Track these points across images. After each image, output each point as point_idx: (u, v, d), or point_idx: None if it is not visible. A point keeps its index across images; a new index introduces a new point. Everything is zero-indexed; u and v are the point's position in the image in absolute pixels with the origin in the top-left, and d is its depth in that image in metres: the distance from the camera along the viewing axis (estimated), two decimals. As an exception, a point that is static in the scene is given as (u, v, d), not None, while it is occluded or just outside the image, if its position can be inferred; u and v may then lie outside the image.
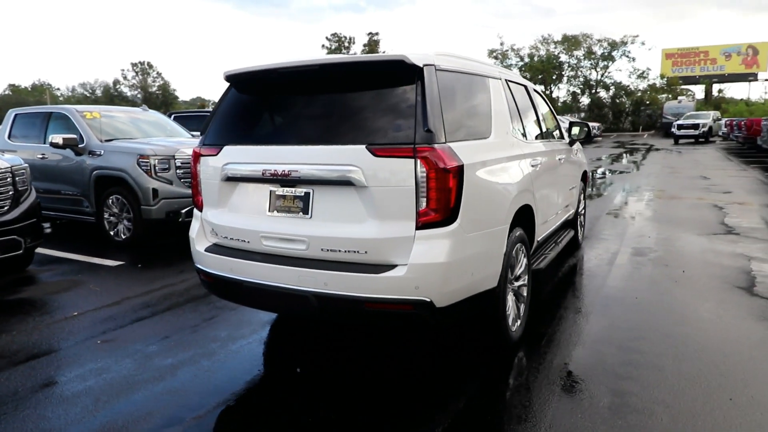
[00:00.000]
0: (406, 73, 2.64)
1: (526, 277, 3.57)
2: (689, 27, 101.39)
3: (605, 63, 47.77)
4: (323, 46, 65.74)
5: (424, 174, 2.49)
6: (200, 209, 3.26)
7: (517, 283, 3.42)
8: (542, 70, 51.93)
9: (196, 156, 3.21)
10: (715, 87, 48.47)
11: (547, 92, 55.64)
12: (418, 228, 2.54)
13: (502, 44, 56.36)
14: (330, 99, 2.86)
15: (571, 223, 5.43)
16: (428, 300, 2.53)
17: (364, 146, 2.58)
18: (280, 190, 2.85)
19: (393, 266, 2.58)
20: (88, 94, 75.24)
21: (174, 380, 3.10)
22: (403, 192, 2.53)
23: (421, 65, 2.64)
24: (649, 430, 2.45)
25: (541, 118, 4.49)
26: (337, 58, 2.77)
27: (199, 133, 9.11)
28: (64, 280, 5.19)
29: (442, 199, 2.51)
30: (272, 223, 2.87)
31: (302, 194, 2.78)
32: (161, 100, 70.24)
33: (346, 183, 2.63)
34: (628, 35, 47.58)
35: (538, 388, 2.88)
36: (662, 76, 46.74)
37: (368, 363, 3.28)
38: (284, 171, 2.74)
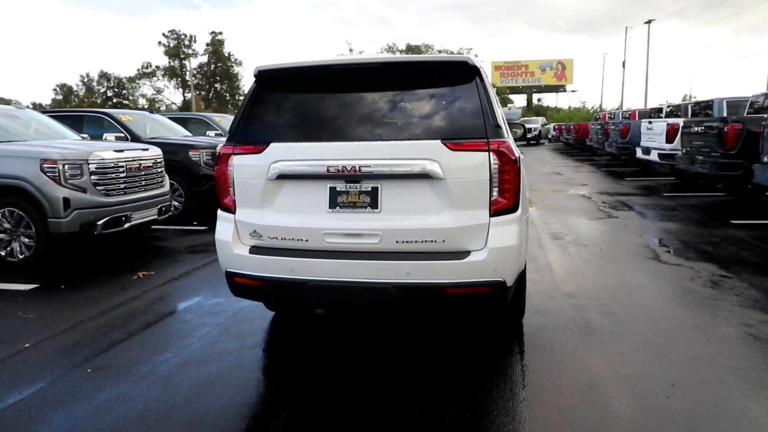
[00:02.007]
0: (466, 73, 2.86)
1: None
2: (508, 43, 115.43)
3: (445, 72, 52.06)
4: (160, 43, 60.98)
5: (497, 165, 2.73)
6: (231, 211, 3.06)
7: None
8: (390, 77, 54.81)
9: (226, 155, 3.01)
10: (535, 96, 56.16)
11: (395, 98, 58.68)
12: (491, 215, 2.77)
13: (351, 50, 58.10)
14: (391, 96, 2.92)
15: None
16: (502, 280, 2.78)
17: (439, 141, 2.72)
18: (343, 186, 2.84)
19: (468, 252, 2.77)
20: None
21: (219, 396, 2.88)
22: (478, 183, 2.74)
23: (478, 66, 2.87)
24: (652, 348, 3.02)
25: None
26: (397, 57, 2.87)
27: (87, 136, 8.07)
28: (-26, 311, 4.29)
29: (511, 189, 2.78)
30: (335, 219, 2.84)
31: (369, 189, 2.81)
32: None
33: (420, 176, 2.74)
34: (464, 48, 52.62)
35: (564, 341, 3.32)
36: (493, 86, 52.60)
37: (411, 350, 3.40)
38: (354, 166, 2.74)
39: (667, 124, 10.34)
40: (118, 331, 3.82)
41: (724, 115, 11.41)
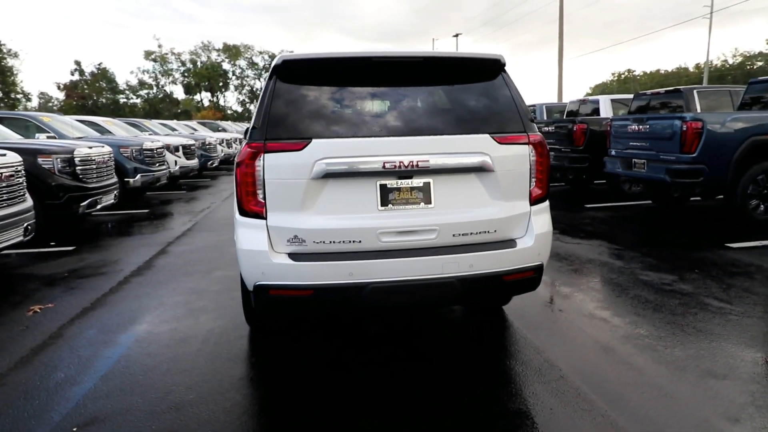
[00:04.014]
0: (497, 69, 2.98)
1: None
2: (320, 47, 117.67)
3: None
4: None
5: (535, 158, 2.93)
6: (260, 216, 2.70)
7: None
8: (208, 77, 51.78)
9: (252, 154, 2.65)
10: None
11: (215, 99, 55.82)
12: (531, 204, 2.96)
13: (160, 47, 53.33)
14: (434, 91, 2.89)
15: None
16: (542, 263, 2.99)
17: (488, 135, 2.81)
18: (395, 183, 2.73)
19: (513, 240, 2.92)
20: None
21: (286, 424, 2.54)
22: (521, 174, 2.90)
23: (505, 63, 3.03)
24: (626, 312, 3.60)
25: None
26: (438, 52, 2.85)
27: None
28: None
29: (544, 179, 3.00)
30: (389, 217, 2.72)
31: (421, 185, 2.76)
32: None
33: (470, 170, 2.80)
34: (285, 49, 52.38)
35: (553, 317, 3.69)
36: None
37: (431, 337, 3.40)
38: (411, 162, 2.67)
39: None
40: (69, 379, 3.06)
41: (545, 117, 13.51)
